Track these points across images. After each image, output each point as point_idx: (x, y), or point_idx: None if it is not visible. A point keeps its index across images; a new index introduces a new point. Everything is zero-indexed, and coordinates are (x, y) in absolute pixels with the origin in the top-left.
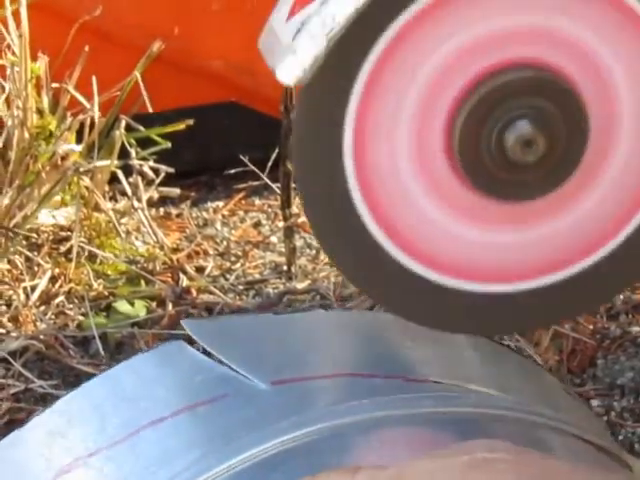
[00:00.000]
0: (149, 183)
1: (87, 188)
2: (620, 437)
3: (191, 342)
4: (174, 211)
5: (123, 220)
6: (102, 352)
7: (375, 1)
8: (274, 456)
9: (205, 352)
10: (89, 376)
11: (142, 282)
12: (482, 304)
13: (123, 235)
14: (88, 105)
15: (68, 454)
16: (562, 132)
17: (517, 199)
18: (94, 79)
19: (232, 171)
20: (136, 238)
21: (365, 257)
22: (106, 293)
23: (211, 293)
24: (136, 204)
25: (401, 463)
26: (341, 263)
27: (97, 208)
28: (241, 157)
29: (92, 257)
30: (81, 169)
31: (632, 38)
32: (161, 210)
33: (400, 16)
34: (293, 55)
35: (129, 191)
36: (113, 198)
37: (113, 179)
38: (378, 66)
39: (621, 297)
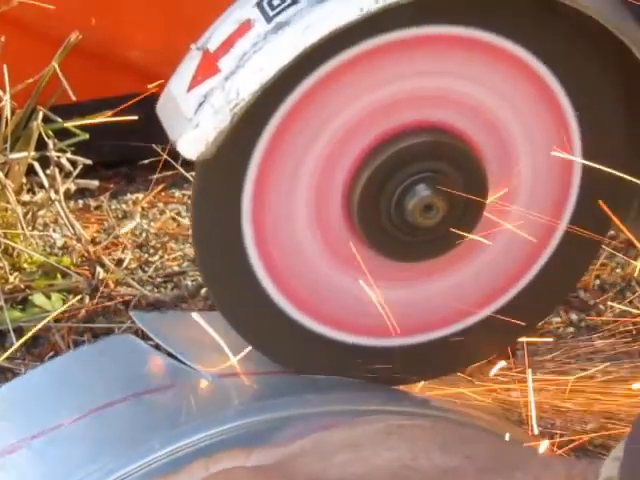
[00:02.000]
0: (67, 175)
1: (0, 181)
2: None
3: (107, 334)
4: (93, 203)
5: (40, 212)
6: (16, 345)
7: (277, 76)
8: (217, 443)
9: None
10: (3, 370)
11: (59, 275)
12: (373, 355)
13: (40, 228)
14: (3, 96)
15: (11, 436)
16: (461, 194)
17: (416, 259)
18: (5, 69)
19: (146, 161)
20: (54, 230)
21: (262, 315)
22: (22, 286)
23: (129, 286)
24: (53, 196)
25: (312, 436)
26: (238, 323)
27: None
28: (155, 147)
29: (7, 251)
30: None
31: (529, 96)
32: (80, 202)
33: (299, 85)
34: (195, 129)
35: (46, 183)
36: (31, 190)
37: (30, 171)
38: (277, 135)
39: None
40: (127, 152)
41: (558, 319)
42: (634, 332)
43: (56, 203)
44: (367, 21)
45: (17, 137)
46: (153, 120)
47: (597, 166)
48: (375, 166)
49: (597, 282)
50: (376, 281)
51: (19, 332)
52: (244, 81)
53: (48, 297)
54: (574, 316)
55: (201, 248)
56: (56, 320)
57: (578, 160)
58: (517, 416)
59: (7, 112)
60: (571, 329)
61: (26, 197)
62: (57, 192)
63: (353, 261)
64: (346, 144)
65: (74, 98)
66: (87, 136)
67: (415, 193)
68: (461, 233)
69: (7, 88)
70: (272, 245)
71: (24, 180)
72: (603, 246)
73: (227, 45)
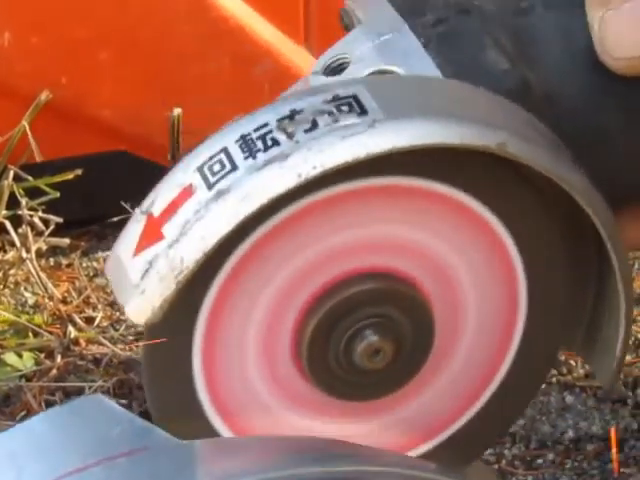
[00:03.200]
0: (39, 233)
1: None
2: None
3: (79, 393)
4: (64, 261)
5: (12, 271)
6: None
7: (219, 242)
8: None
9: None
10: None
11: (30, 334)
12: None
13: (11, 286)
14: None
15: None
16: (409, 337)
17: (363, 400)
18: None
19: (115, 219)
20: (25, 289)
21: None
22: None
23: (100, 344)
24: (25, 255)
25: None
26: None
27: None
28: (124, 205)
29: None
30: None
31: (473, 238)
32: (51, 260)
33: (240, 247)
34: (142, 295)
35: (17, 242)
36: (2, 249)
37: (2, 230)
38: (222, 294)
39: None
40: (97, 210)
41: None
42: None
43: (28, 262)
44: (307, 183)
45: None
46: (122, 178)
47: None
48: (323, 313)
49: None
50: (328, 420)
51: None
52: (187, 249)
53: (20, 356)
54: None
55: (156, 406)
56: (27, 379)
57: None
58: None
59: None
60: (542, 385)
61: None
62: (29, 251)
63: (304, 402)
64: (293, 294)
65: (39, 159)
66: (57, 194)
67: (363, 338)
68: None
69: None
70: (226, 398)
71: None
72: None
73: (170, 211)
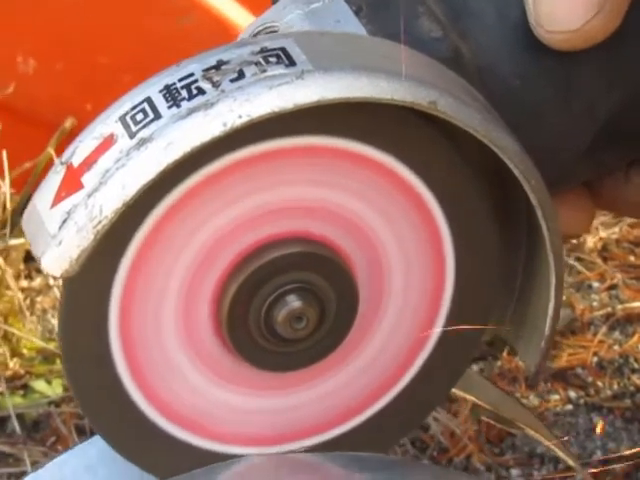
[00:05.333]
0: None
1: (0, 267)
2: None
3: None
4: None
5: (38, 298)
6: (19, 431)
7: (140, 192)
8: None
9: None
10: (5, 456)
11: (58, 360)
12: None
13: (38, 313)
14: (1, 182)
15: None
16: (332, 303)
17: (286, 369)
18: (4, 155)
19: None
20: (52, 316)
21: (131, 428)
22: (22, 372)
23: None
24: (52, 282)
25: None
26: (105, 432)
27: (11, 287)
28: None
29: (7, 336)
30: None
31: (397, 202)
32: None
33: (163, 200)
34: (59, 246)
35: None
36: (28, 276)
37: (29, 257)
38: (142, 250)
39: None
40: None
41: (557, 397)
42: (633, 409)
43: (54, 288)
44: (231, 135)
45: (14, 224)
46: None
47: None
48: (244, 278)
49: (595, 359)
50: (248, 392)
51: (20, 418)
52: (107, 199)
53: (48, 382)
54: (572, 394)
55: (70, 365)
56: (56, 405)
57: (450, 275)
58: None
59: (7, 198)
60: (570, 407)
61: (24, 283)
62: (55, 278)
63: (225, 373)
64: (214, 256)
65: None
66: None
67: (285, 304)
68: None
69: (6, 174)
70: (142, 359)
71: (22, 266)
72: (599, 322)
73: (90, 161)
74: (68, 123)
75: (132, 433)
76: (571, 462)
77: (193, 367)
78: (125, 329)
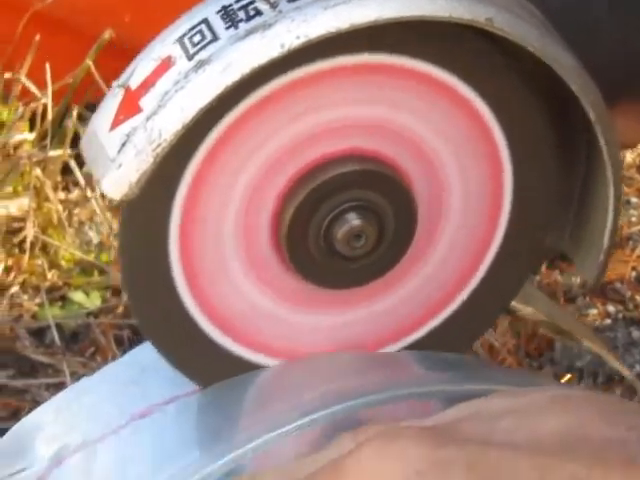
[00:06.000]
0: None
1: (38, 178)
2: None
3: None
4: None
5: (76, 210)
6: (58, 341)
7: (199, 114)
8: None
9: None
10: (44, 366)
11: (96, 272)
12: None
13: (76, 225)
14: (40, 94)
15: (143, 401)
16: (391, 222)
17: (345, 287)
18: (47, 68)
19: None
20: (89, 228)
21: (193, 349)
22: (60, 283)
23: None
24: (89, 194)
25: (468, 404)
26: (164, 349)
27: (49, 199)
28: None
29: (45, 248)
30: (34, 159)
31: (456, 120)
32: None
33: (222, 121)
34: (118, 170)
35: (82, 181)
36: (66, 188)
37: (66, 170)
38: (201, 171)
39: (578, 280)
40: None
41: (595, 311)
42: None
43: (92, 201)
44: (289, 55)
45: (52, 135)
46: None
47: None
48: (303, 195)
49: (633, 274)
50: (308, 309)
51: (59, 329)
52: (166, 121)
53: (87, 294)
54: (611, 308)
55: (131, 287)
56: (95, 316)
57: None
58: None
59: (49, 109)
60: (608, 321)
61: (61, 195)
62: (93, 190)
63: (285, 291)
64: (273, 175)
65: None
66: None
67: (344, 222)
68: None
69: (48, 85)
70: (203, 281)
71: (59, 178)
72: (638, 237)
73: (148, 83)
74: (107, 35)
75: (182, 340)
76: (626, 373)
77: (250, 282)
78: (185, 250)
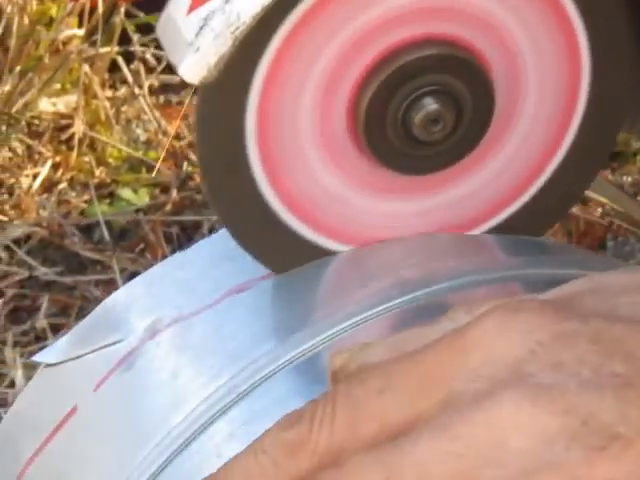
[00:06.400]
0: (149, 71)
1: (87, 75)
2: None
3: (196, 228)
4: (175, 99)
5: (123, 108)
6: (107, 238)
7: None
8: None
9: None
10: (93, 262)
11: (144, 169)
12: None
13: (123, 123)
14: None
15: (239, 276)
16: (469, 106)
17: (422, 173)
18: None
19: None
20: (136, 126)
21: (268, 235)
22: (108, 181)
23: None
24: (137, 91)
25: (586, 278)
26: (240, 237)
27: (97, 96)
28: None
29: (93, 145)
30: (84, 54)
31: (536, 4)
32: (161, 98)
33: (300, 3)
34: (196, 53)
35: (130, 78)
36: (113, 86)
37: (113, 67)
38: (279, 55)
39: (629, 179)
40: None
41: None
42: None
43: (140, 98)
44: None
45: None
46: None
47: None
48: (380, 81)
49: None
50: (385, 196)
51: (108, 226)
52: (245, 4)
53: (135, 191)
54: None
55: (207, 172)
56: (145, 213)
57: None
58: None
59: (99, 5)
60: None
61: (108, 93)
62: (141, 87)
63: (359, 175)
64: (350, 58)
65: None
66: None
67: (422, 106)
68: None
69: None
70: (278, 165)
71: (106, 76)
72: None
73: None
74: None
75: (259, 228)
76: None
77: (328, 170)
78: (262, 135)
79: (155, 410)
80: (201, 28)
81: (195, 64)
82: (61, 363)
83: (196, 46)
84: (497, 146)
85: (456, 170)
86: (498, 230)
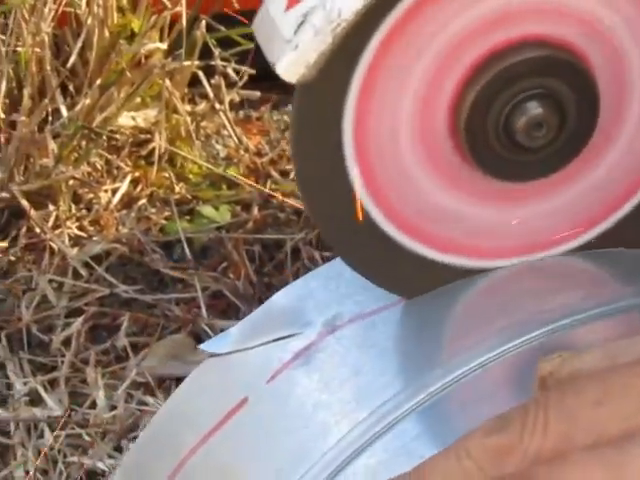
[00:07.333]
0: (230, 85)
1: (167, 89)
2: None
3: (279, 246)
4: (254, 114)
5: (202, 124)
6: (189, 256)
7: None
8: None
9: None
10: (174, 281)
11: (224, 186)
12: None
13: (202, 139)
14: (169, 4)
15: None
16: (572, 110)
17: (524, 179)
18: None
19: None
20: (216, 142)
21: (365, 241)
22: (189, 197)
23: (297, 197)
24: (217, 106)
25: None
26: (336, 244)
27: (177, 111)
28: None
29: (172, 161)
30: (167, 68)
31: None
32: (240, 113)
33: (402, 1)
34: (295, 51)
35: (210, 93)
36: (192, 101)
37: (192, 82)
38: (379, 53)
39: None
40: None
41: None
42: None
43: (220, 113)
44: None
45: (179, 47)
46: None
47: None
48: (483, 83)
49: None
50: (485, 203)
51: (188, 243)
52: (346, 0)
53: (216, 208)
54: None
55: (302, 172)
56: (227, 231)
57: None
58: None
59: (183, 18)
60: None
61: (187, 107)
62: (222, 102)
63: (459, 182)
64: (452, 60)
65: (237, 6)
66: (251, 45)
67: (524, 110)
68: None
69: None
70: (375, 167)
71: (185, 90)
72: None
73: None
74: None
75: (365, 245)
76: None
77: (427, 176)
78: (359, 135)
79: (335, 406)
80: (300, 25)
81: (294, 62)
82: (228, 354)
83: (295, 43)
84: (602, 151)
85: (558, 177)
86: (603, 240)
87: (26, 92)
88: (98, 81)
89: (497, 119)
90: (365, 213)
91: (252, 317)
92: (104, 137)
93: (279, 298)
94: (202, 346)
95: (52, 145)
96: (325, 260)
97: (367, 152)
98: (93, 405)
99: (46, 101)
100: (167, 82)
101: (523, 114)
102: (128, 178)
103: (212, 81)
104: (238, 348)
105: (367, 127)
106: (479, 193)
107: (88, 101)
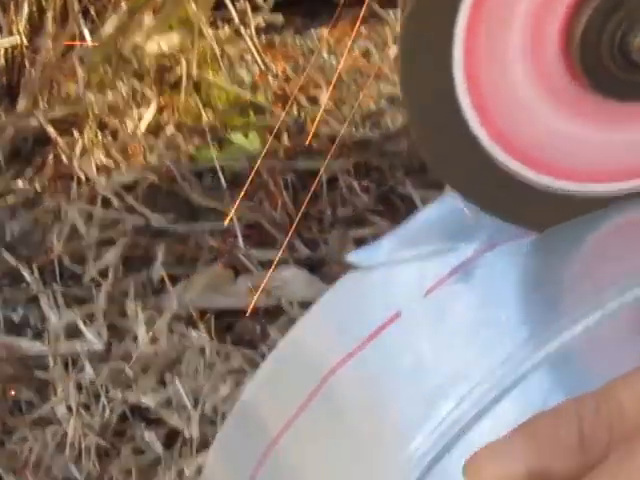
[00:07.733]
0: (255, 9)
1: (193, 12)
2: None
3: (311, 174)
4: (277, 39)
5: (225, 48)
6: (224, 185)
7: None
8: None
9: None
10: (206, 211)
11: (252, 113)
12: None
13: (226, 63)
14: None
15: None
16: None
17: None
18: None
19: None
20: (240, 66)
21: (474, 168)
22: (217, 124)
23: (327, 124)
24: (243, 31)
25: None
26: (445, 173)
27: (201, 35)
28: None
29: (198, 87)
30: None
31: None
32: (263, 38)
33: None
34: None
35: (236, 17)
36: (213, 25)
37: (220, 4)
38: None
39: None
40: None
41: None
42: None
43: (246, 38)
44: None
45: None
46: None
47: None
48: (596, 3)
49: None
50: (597, 125)
51: (218, 171)
52: None
53: (245, 135)
54: None
55: (411, 100)
56: (256, 159)
57: None
58: None
59: None
60: None
61: (210, 32)
62: (247, 26)
63: (570, 103)
64: None
65: None
66: None
67: None
68: None
69: None
70: (486, 95)
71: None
72: None
73: None
74: None
75: (478, 176)
76: None
77: (541, 101)
78: (469, 61)
79: (498, 325)
80: None
81: None
82: (378, 267)
83: None
84: None
85: None
86: None
87: (50, 15)
88: (123, 4)
89: (612, 38)
90: (484, 151)
91: (400, 231)
92: (134, 63)
93: (429, 213)
94: (350, 257)
95: (79, 71)
96: (364, 190)
97: (477, 79)
98: (133, 338)
99: (72, 25)
100: (192, 5)
101: (638, 34)
102: (153, 105)
103: (237, 4)
104: (391, 260)
105: (476, 53)
106: (595, 116)
107: (114, 25)
